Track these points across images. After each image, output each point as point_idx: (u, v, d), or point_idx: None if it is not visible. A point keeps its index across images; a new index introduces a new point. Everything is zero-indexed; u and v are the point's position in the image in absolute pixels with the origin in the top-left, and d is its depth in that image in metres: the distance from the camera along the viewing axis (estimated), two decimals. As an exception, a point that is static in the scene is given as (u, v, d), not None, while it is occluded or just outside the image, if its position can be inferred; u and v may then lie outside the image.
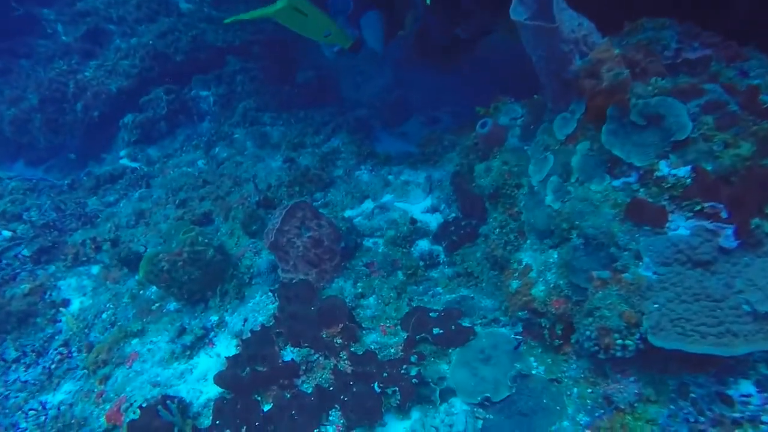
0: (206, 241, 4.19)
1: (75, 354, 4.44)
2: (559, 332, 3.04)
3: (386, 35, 5.64)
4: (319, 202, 4.99)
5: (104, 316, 4.64)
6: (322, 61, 11.43)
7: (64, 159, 7.90)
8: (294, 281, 3.73)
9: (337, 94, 10.37)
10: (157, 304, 4.45)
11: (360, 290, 3.89)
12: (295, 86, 9.27)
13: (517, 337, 3.30)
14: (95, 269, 5.38)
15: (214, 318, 4.10)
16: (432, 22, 6.66)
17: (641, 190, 2.76)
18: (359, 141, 5.63)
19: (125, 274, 5.06)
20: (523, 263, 3.27)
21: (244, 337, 3.62)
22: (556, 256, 3.07)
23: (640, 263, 2.61)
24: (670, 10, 3.31)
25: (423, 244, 4.39)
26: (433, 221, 4.55)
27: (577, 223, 2.92)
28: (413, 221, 4.48)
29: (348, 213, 4.83)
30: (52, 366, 4.37)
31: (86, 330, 4.58)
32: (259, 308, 3.98)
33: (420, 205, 4.73)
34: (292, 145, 5.65)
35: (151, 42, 7.80)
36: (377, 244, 4.41)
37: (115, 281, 5.04)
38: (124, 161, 7.48)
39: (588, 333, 2.68)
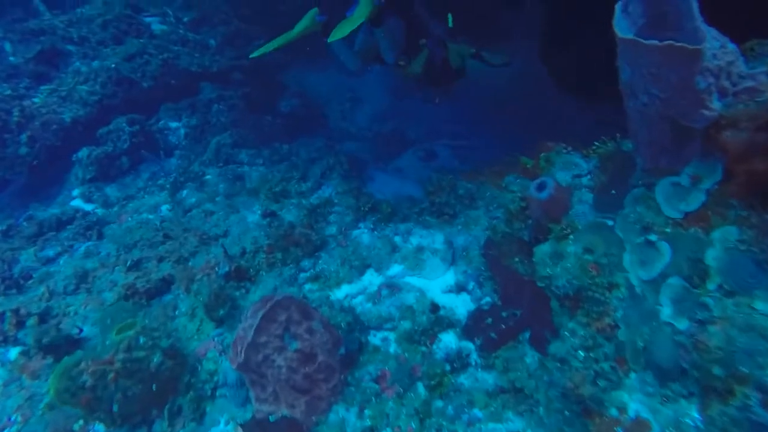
0: (151, 342, 2.83)
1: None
2: None
3: (401, 47, 4.96)
4: (308, 273, 3.67)
5: (8, 433, 3.22)
6: (307, 87, 10.22)
7: (5, 199, 6.44)
8: (273, 418, 2.41)
9: (324, 124, 9.15)
10: (80, 423, 3.05)
11: (369, 422, 2.58)
12: (278, 116, 8.03)
13: None
14: (13, 353, 3.94)
15: (159, 453, 2.74)
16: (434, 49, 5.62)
17: None
18: (356, 190, 4.35)
19: (49, 365, 3.64)
20: (632, 413, 2.02)
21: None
22: (697, 415, 1.84)
23: None
24: None
25: (448, 340, 3.11)
26: (460, 305, 3.28)
27: (744, 370, 1.70)
28: (435, 307, 3.21)
29: (345, 289, 3.53)
30: None
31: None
32: (223, 443, 2.64)
33: (440, 281, 3.46)
34: (273, 195, 4.36)
35: (113, 65, 6.46)
36: (387, 340, 3.11)
37: (34, 376, 3.61)
38: (77, 202, 6.04)
39: None
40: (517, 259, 3.04)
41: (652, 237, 2.10)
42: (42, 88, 6.61)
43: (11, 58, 6.83)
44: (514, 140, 8.92)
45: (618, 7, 1.86)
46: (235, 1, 8.75)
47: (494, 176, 4.36)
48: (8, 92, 6.26)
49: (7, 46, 6.88)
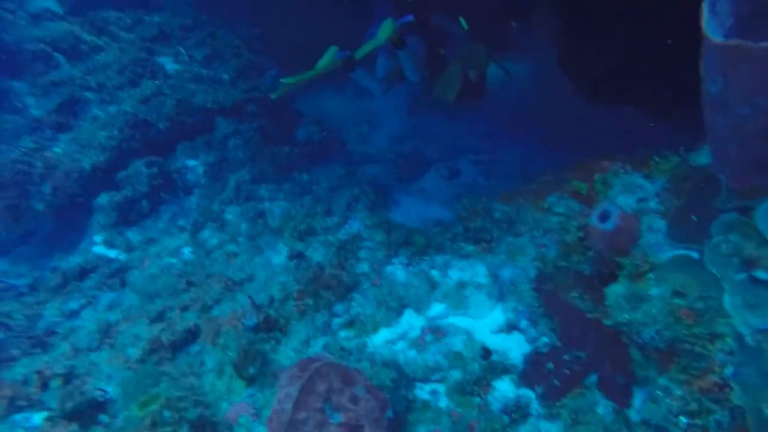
0: (177, 415, 2.52)
1: None
2: None
3: (423, 66, 4.86)
4: (342, 318, 3.34)
5: None
6: (323, 113, 10.01)
7: (32, 249, 6.29)
8: (318, 507, 2.07)
9: (342, 149, 8.89)
10: (108, 505, 2.75)
11: (426, 501, 2.23)
12: (295, 145, 7.79)
13: None
14: (37, 419, 3.68)
15: None
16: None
17: None
18: (385, 223, 4.00)
19: (74, 434, 3.37)
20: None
21: None
22: None
23: None
24: None
25: (504, 387, 2.73)
26: (514, 347, 2.90)
27: None
28: (486, 352, 2.84)
29: (384, 334, 3.19)
30: None
31: None
32: None
33: (488, 320, 3.09)
34: (298, 233, 4.07)
35: (130, 109, 6.31)
36: (437, 394, 2.75)
37: (60, 447, 3.34)
38: (99, 248, 5.85)
39: None
40: (575, 294, 2.67)
41: (760, 273, 1.72)
42: (62, 137, 6.50)
43: (35, 112, 6.76)
44: (541, 152, 8.56)
45: (705, 6, 1.52)
46: (245, 34, 8.66)
47: (533, 196, 3.99)
48: (32, 145, 6.15)
49: (31, 101, 6.81)
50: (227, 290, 3.99)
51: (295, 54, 10.08)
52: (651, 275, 2.06)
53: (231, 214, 5.18)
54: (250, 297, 3.40)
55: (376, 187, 6.38)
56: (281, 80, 4.47)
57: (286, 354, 3.13)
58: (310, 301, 3.38)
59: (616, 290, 2.16)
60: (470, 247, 4.25)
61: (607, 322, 2.35)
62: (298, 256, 3.90)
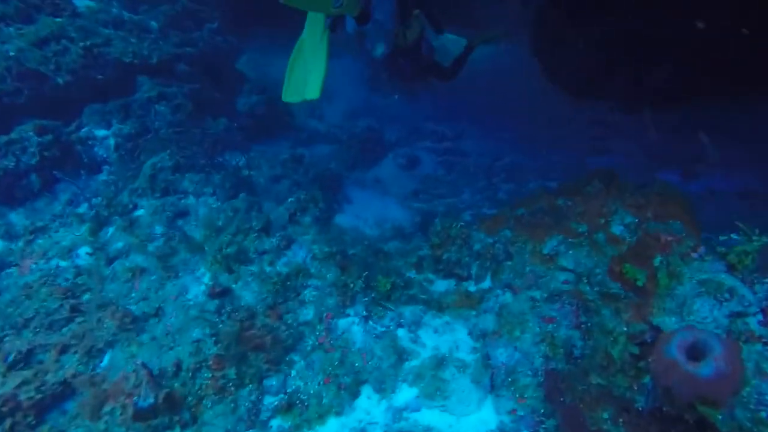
0: None
1: None
2: None
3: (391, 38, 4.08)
4: (276, 398, 2.36)
5: None
6: (269, 77, 8.57)
7: None
8: None
9: (290, 123, 7.61)
10: None
11: None
12: (235, 117, 6.46)
13: None
14: None
15: None
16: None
17: None
18: (340, 254, 2.97)
19: None
20: None
21: None
22: None
23: None
24: None
25: None
26: (508, 469, 2.08)
27: None
28: (475, 482, 2.00)
29: (332, 426, 2.26)
30: None
31: None
32: None
33: (474, 421, 2.23)
34: (224, 258, 2.96)
35: (13, 53, 4.72)
36: None
37: None
38: (-31, 233, 4.44)
39: None
40: (607, 416, 1.85)
41: None
42: None
43: None
44: (507, 143, 7.75)
45: None
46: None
47: (524, 231, 3.12)
48: None
49: None
50: (123, 330, 2.85)
51: (246, 2, 8.50)
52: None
53: (144, 210, 3.94)
54: (145, 367, 2.32)
55: (325, 182, 5.30)
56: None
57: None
58: (232, 372, 2.36)
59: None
60: (442, 283, 3.37)
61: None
62: (221, 293, 2.83)
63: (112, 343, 2.84)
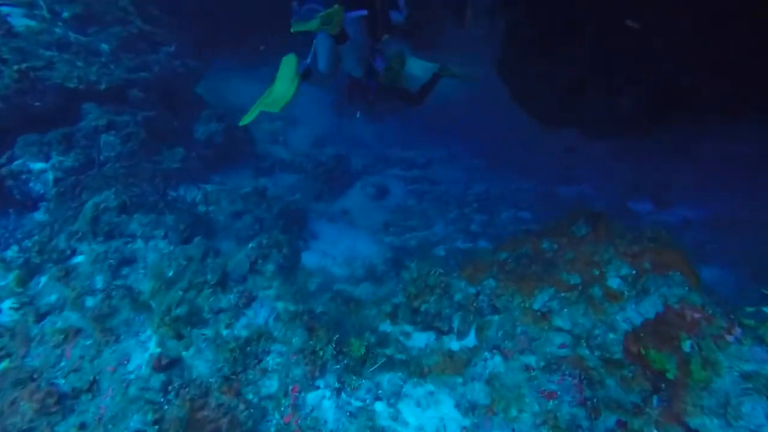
0: None
1: None
2: None
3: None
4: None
5: None
6: (229, 102, 8.14)
7: None
8: None
9: (251, 151, 7.17)
10: None
11: None
12: (193, 146, 6.00)
13: None
14: None
15: None
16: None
17: None
18: (307, 314, 2.60)
19: None
20: None
21: None
22: None
23: None
24: None
25: None
26: None
27: None
28: None
29: None
30: None
31: None
32: None
33: None
34: (173, 321, 2.52)
35: (-66, 78, 4.16)
36: None
37: None
38: None
39: None
40: None
41: None
42: None
43: None
44: (477, 171, 7.56)
45: None
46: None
47: (510, 280, 2.83)
48: None
49: None
50: (44, 415, 2.36)
51: (205, 23, 8.07)
52: None
53: (84, 257, 3.44)
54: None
55: (290, 217, 4.91)
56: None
57: None
58: (178, 473, 1.94)
59: None
60: (420, 337, 3.03)
61: None
62: (169, 365, 2.39)
63: None
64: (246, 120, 3.36)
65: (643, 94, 7.03)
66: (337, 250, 4.76)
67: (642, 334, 1.83)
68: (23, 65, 4.51)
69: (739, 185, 5.81)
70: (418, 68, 6.33)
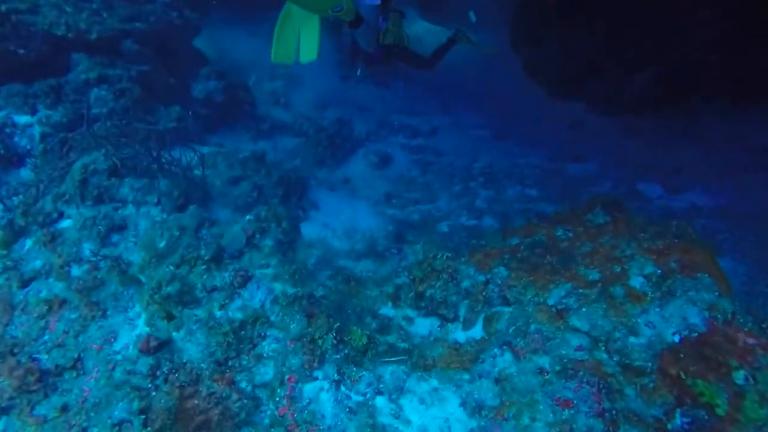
0: None
1: None
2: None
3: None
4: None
5: None
6: (230, 58, 7.71)
7: None
8: None
9: (252, 112, 6.83)
10: None
11: None
12: (190, 104, 5.67)
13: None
14: None
15: None
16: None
17: None
18: (308, 298, 2.42)
19: None
20: None
21: None
22: None
23: None
24: None
25: None
26: None
27: None
28: None
29: None
30: None
31: None
32: None
33: None
34: (163, 300, 2.35)
35: None
36: None
37: None
38: None
39: None
40: None
41: None
42: None
43: None
44: (483, 142, 7.28)
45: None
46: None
47: (521, 270, 2.65)
48: None
49: None
50: (25, 392, 2.21)
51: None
52: None
53: (71, 221, 3.22)
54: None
55: (290, 187, 4.67)
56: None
57: None
58: (165, 470, 1.80)
59: None
60: (423, 323, 2.89)
61: None
62: (158, 347, 2.23)
63: (8, 410, 2.19)
64: (279, 58, 3.14)
65: (657, 74, 6.69)
66: (338, 222, 4.56)
67: (682, 355, 1.66)
68: (3, 6, 4.14)
69: (752, 173, 5.59)
70: (425, 31, 6.13)
